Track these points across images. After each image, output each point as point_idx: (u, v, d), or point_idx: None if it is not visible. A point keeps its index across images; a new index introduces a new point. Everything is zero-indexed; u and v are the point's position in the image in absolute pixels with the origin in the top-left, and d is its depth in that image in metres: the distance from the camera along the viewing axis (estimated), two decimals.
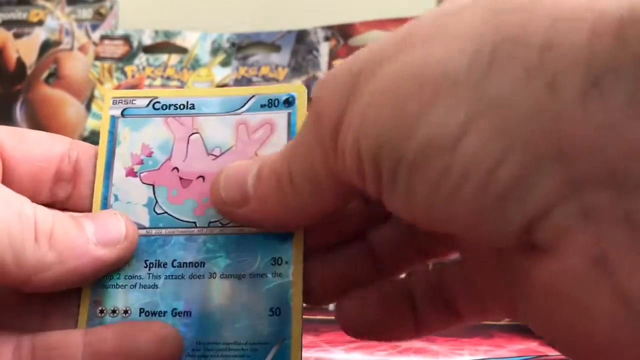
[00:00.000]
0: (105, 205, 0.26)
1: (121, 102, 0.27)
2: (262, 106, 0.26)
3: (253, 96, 0.26)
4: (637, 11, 0.14)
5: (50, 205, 0.24)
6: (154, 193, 0.26)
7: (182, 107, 0.27)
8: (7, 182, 0.24)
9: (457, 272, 0.24)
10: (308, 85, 0.54)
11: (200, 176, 0.26)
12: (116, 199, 0.26)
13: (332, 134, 0.19)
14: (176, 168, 0.26)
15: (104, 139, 0.27)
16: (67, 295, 0.24)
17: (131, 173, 0.26)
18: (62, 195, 0.26)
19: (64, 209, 0.25)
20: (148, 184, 0.26)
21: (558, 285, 0.15)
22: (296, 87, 0.26)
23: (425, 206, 0.17)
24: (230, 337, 0.24)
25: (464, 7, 0.17)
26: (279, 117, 0.26)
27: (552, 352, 0.35)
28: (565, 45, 0.15)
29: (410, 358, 0.37)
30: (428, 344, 0.38)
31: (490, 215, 0.16)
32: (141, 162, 0.26)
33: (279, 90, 0.26)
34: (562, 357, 0.17)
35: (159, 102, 0.27)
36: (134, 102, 0.27)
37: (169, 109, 0.27)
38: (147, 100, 0.27)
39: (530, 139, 0.15)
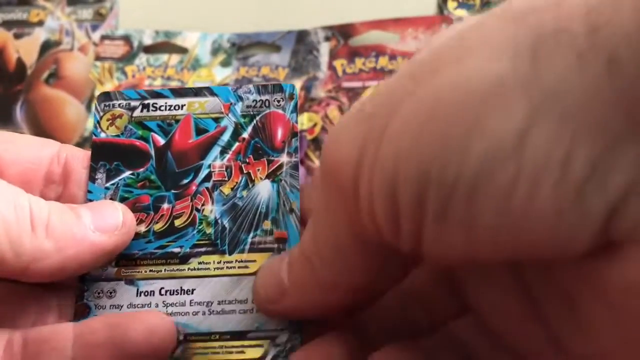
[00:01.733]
0: None
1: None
2: None
3: None
4: None
5: None
6: None
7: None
8: None
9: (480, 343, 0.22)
10: (308, 85, 0.54)
11: None
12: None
13: (352, 184, 0.18)
14: None
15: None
16: (62, 292, 0.24)
17: None
18: (53, 196, 0.26)
19: None
20: None
21: None
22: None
23: (491, 228, 0.15)
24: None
25: (479, 22, 0.16)
26: None
27: None
28: (613, 24, 0.14)
29: None
30: None
31: (571, 211, 0.15)
32: None
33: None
34: None
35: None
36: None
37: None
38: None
39: (599, 121, 0.14)
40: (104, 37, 0.59)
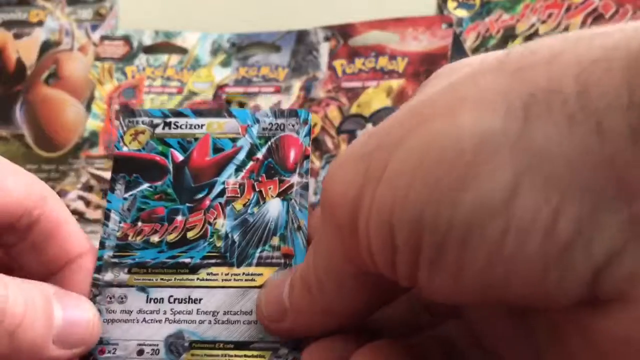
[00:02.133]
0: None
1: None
2: None
3: None
4: None
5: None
6: None
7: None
8: None
9: None
10: (308, 85, 0.54)
11: None
12: None
13: (350, 223, 0.18)
14: None
15: None
16: None
17: None
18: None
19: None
20: None
21: (636, 336, 0.14)
22: None
23: (482, 274, 0.16)
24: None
25: (475, 73, 0.17)
26: None
27: None
28: (603, 87, 0.14)
29: None
30: None
31: (557, 267, 0.15)
32: None
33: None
34: None
35: None
36: None
37: None
38: None
39: (586, 184, 0.14)
40: (103, 38, 0.59)
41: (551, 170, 0.15)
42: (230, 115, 0.28)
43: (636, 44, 0.15)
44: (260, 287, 0.26)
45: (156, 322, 0.26)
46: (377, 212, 0.17)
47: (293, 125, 0.28)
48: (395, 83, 0.53)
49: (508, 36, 0.52)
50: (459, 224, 0.16)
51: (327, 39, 0.55)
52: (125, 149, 0.28)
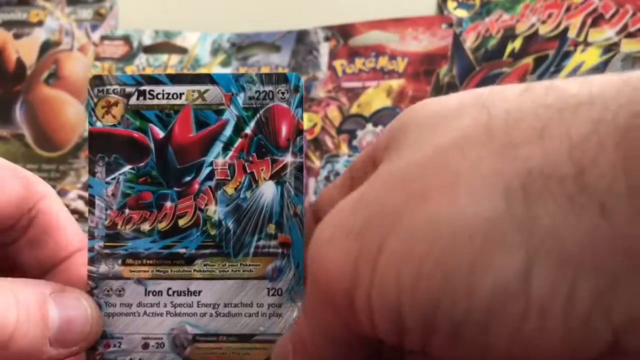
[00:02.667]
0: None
1: None
2: None
3: None
4: None
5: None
6: None
7: None
8: None
9: None
10: (308, 85, 0.54)
11: None
12: None
13: (346, 301, 0.18)
14: None
15: None
16: None
17: None
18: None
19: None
20: None
21: None
22: None
23: (503, 352, 0.16)
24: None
25: (460, 146, 0.17)
26: None
27: None
28: (599, 169, 0.15)
29: None
30: None
31: (579, 334, 0.15)
32: None
33: None
34: None
35: None
36: None
37: None
38: None
39: (598, 260, 0.15)
40: (103, 37, 0.59)
41: (562, 249, 0.15)
42: (211, 81, 0.26)
43: (623, 119, 0.15)
44: (258, 277, 0.25)
45: (157, 315, 0.25)
46: (380, 296, 0.17)
47: (283, 94, 0.25)
48: (396, 83, 0.53)
49: (508, 36, 0.52)
50: (478, 311, 0.15)
51: (327, 39, 0.55)
52: (99, 124, 0.26)
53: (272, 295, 0.25)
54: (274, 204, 0.25)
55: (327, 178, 0.51)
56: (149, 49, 0.58)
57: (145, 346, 0.25)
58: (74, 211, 0.52)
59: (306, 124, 0.53)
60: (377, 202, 0.18)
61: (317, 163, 0.52)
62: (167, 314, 0.25)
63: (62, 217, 0.26)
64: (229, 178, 0.26)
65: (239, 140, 0.26)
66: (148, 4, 0.61)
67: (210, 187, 0.26)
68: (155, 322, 0.25)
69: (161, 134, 0.26)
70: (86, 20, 0.60)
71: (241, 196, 0.26)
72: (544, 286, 0.15)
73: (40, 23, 0.60)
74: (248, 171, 0.26)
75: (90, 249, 0.26)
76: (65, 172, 0.55)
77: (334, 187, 0.24)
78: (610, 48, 0.48)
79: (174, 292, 0.25)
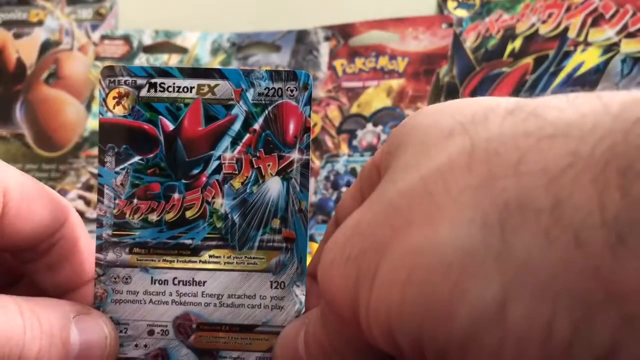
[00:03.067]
0: None
1: None
2: None
3: None
4: (630, 160, 0.14)
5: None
6: None
7: None
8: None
9: None
10: None
11: None
12: None
13: (351, 318, 0.19)
14: None
15: None
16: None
17: None
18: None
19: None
20: None
21: None
22: None
23: None
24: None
25: (444, 177, 0.17)
26: None
27: None
28: (574, 202, 0.15)
29: None
30: None
31: None
32: None
33: None
34: None
35: None
36: None
37: None
38: None
39: (575, 291, 0.15)
40: (103, 37, 0.59)
41: (537, 280, 0.15)
42: (222, 76, 0.26)
43: (599, 152, 0.15)
44: (262, 270, 0.26)
45: (163, 303, 0.26)
46: (375, 317, 0.18)
47: (292, 91, 0.26)
48: (396, 83, 0.53)
49: (508, 36, 0.52)
50: (458, 338, 0.16)
51: (327, 38, 0.55)
52: (109, 114, 0.26)
53: (275, 288, 0.26)
54: (279, 200, 0.26)
55: (327, 178, 0.51)
56: (149, 49, 0.58)
57: (151, 333, 0.26)
58: None
59: None
60: (370, 229, 0.19)
61: (317, 163, 0.52)
62: (172, 302, 0.26)
63: (83, 243, 0.26)
64: (236, 172, 0.26)
65: (247, 135, 0.26)
66: (148, 3, 0.61)
67: (217, 180, 0.26)
68: (161, 309, 0.26)
69: (171, 126, 0.26)
70: (86, 20, 0.60)
71: (247, 190, 0.26)
72: (520, 315, 0.15)
73: (40, 23, 0.60)
74: (255, 166, 0.26)
75: (99, 237, 0.26)
76: (65, 172, 0.55)
77: (348, 197, 0.25)
78: (610, 48, 0.48)
79: (179, 281, 0.26)
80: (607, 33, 0.49)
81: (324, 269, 0.20)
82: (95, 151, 0.55)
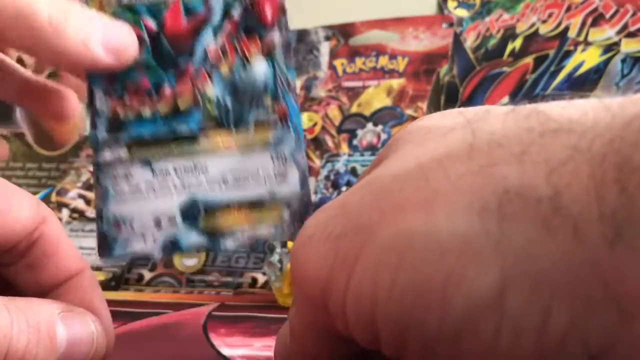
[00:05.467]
0: None
1: None
2: None
3: None
4: (626, 155, 0.14)
5: None
6: None
7: None
8: None
9: None
10: (308, 85, 0.54)
11: None
12: None
13: (321, 301, 0.18)
14: None
15: None
16: None
17: None
18: None
19: None
20: None
21: None
22: None
23: None
24: None
25: (442, 164, 0.17)
26: None
27: None
28: (573, 194, 0.15)
29: None
30: None
31: (555, 356, 0.15)
32: None
33: None
34: None
35: None
36: None
37: None
38: None
39: (573, 285, 0.15)
40: None
41: (537, 270, 0.15)
42: None
43: (597, 147, 0.15)
44: (261, 147, 0.27)
45: (167, 193, 0.26)
46: (355, 302, 0.17)
47: None
48: (396, 82, 0.53)
49: (508, 36, 0.52)
50: (450, 326, 0.16)
51: (327, 38, 0.55)
52: None
53: (277, 160, 0.27)
54: (267, 79, 0.27)
55: (327, 177, 0.51)
56: None
57: (158, 223, 0.26)
58: (74, 210, 0.52)
59: (306, 124, 0.53)
60: (356, 210, 0.18)
61: (317, 162, 0.52)
62: (176, 191, 0.26)
63: (63, 240, 0.26)
64: (222, 60, 0.27)
65: (227, 23, 0.27)
66: None
67: (205, 69, 0.27)
68: (165, 200, 0.26)
69: (154, 26, 0.27)
70: None
71: (235, 75, 0.27)
72: (518, 305, 0.15)
73: None
74: (239, 51, 0.27)
75: (94, 140, 0.26)
76: (65, 171, 0.55)
77: None
78: (611, 48, 0.48)
79: (181, 169, 0.26)
80: (607, 33, 0.49)
81: (298, 244, 0.19)
82: None
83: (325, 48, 0.55)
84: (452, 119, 0.19)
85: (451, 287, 0.15)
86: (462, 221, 0.16)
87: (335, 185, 0.51)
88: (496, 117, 0.18)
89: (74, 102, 0.28)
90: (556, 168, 0.15)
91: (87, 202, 0.52)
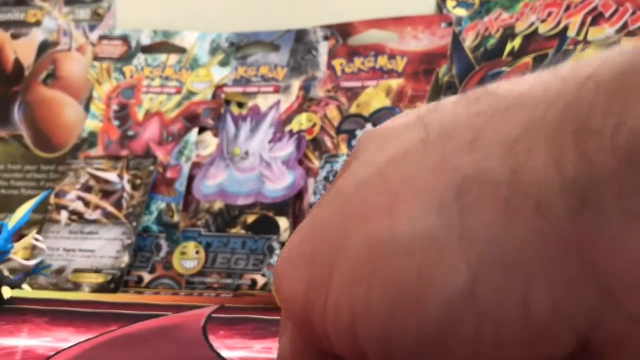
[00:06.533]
0: None
1: None
2: None
3: None
4: (582, 118, 0.14)
5: None
6: None
7: None
8: None
9: None
10: (307, 85, 0.54)
11: None
12: None
13: (304, 322, 0.18)
14: None
15: None
16: None
17: None
18: None
19: None
20: None
21: None
22: None
23: None
24: None
25: (397, 163, 0.17)
26: None
27: None
28: (531, 168, 0.14)
29: None
30: None
31: (543, 344, 0.15)
32: None
33: None
34: None
35: None
36: None
37: None
38: None
39: (548, 264, 0.14)
40: (101, 37, 0.59)
41: (504, 254, 0.15)
42: None
43: (551, 116, 0.14)
44: None
45: None
46: (334, 321, 0.17)
47: None
48: (395, 82, 0.53)
49: (507, 35, 0.52)
50: (430, 327, 0.15)
51: (326, 38, 0.55)
52: None
53: None
54: None
55: (326, 178, 0.51)
56: (147, 49, 0.58)
57: None
58: (73, 212, 0.52)
59: (305, 124, 0.53)
60: (326, 227, 0.18)
61: (316, 163, 0.52)
62: None
63: None
64: None
65: None
66: (146, 3, 0.61)
67: None
68: None
69: None
70: (84, 20, 0.60)
71: None
72: (492, 295, 0.15)
73: (37, 23, 0.60)
74: None
75: None
76: (64, 173, 0.55)
77: None
78: (610, 47, 0.48)
79: None
80: (606, 32, 0.48)
81: (279, 266, 0.19)
82: (93, 152, 0.55)
83: (323, 48, 0.55)
84: (406, 118, 0.19)
85: (423, 288, 0.15)
86: (423, 220, 0.15)
87: None
88: (446, 107, 0.17)
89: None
90: (511, 147, 0.15)
91: (86, 204, 0.52)
